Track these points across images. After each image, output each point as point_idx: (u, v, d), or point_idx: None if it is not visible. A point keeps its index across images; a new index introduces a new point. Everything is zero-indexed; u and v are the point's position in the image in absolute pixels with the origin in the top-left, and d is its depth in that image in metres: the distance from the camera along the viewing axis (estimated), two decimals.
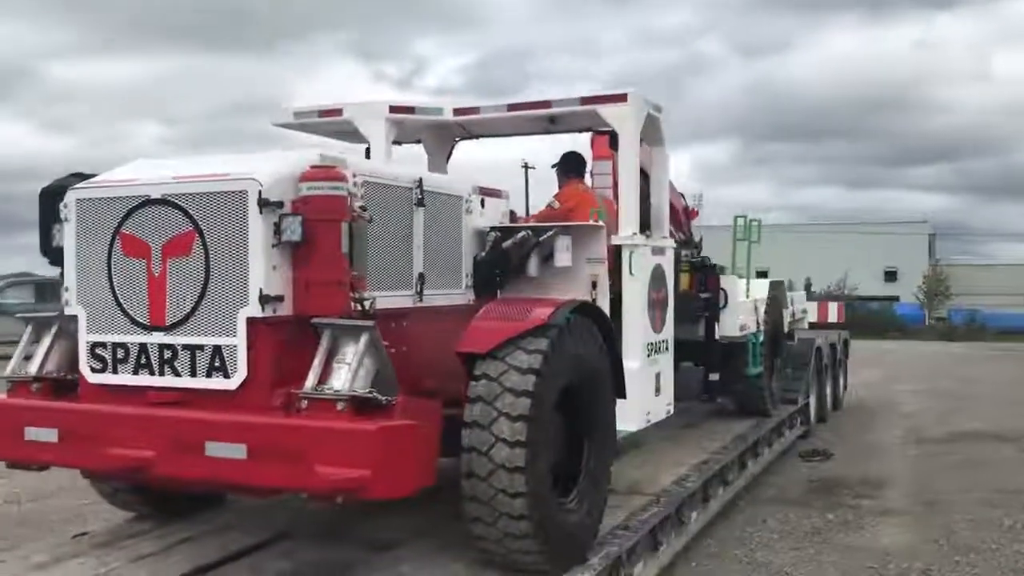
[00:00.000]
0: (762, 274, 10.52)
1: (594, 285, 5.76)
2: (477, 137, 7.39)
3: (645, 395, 6.29)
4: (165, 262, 4.15)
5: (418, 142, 7.45)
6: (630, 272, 6.13)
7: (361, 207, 4.33)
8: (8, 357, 4.75)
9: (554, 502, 4.66)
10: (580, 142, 7.60)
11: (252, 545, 5.18)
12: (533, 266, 5.64)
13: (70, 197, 4.41)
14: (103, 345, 4.32)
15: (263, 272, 3.98)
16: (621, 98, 6.16)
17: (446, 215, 5.32)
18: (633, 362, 6.09)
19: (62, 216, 4.42)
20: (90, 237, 4.35)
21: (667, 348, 6.72)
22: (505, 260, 5.57)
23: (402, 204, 4.89)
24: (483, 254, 5.57)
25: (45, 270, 5.46)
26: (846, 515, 7.64)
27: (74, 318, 4.43)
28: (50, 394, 4.54)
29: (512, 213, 6.17)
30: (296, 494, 3.92)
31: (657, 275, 6.50)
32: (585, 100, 6.26)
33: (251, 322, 4.00)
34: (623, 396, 5.39)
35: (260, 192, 3.96)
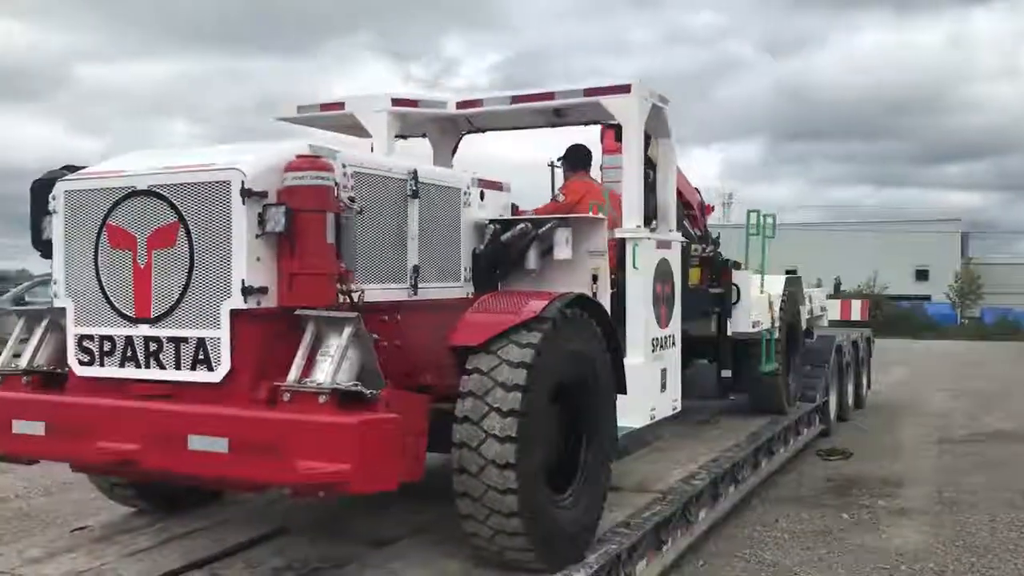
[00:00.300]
0: (790, 272, 10.36)
1: (595, 279, 5.64)
2: (483, 131, 7.30)
3: (650, 391, 6.18)
4: (150, 254, 4.10)
5: (424, 136, 7.37)
6: (634, 266, 6.02)
7: (350, 198, 4.26)
8: None
9: (548, 499, 4.57)
10: (593, 136, 7.52)
11: (248, 540, 5.15)
12: (532, 259, 5.54)
13: (58, 189, 4.38)
14: (90, 338, 4.28)
15: (246, 263, 3.91)
16: (624, 89, 6.05)
17: (443, 207, 5.23)
18: (636, 357, 5.99)
19: (51, 208, 4.40)
20: (78, 229, 4.31)
21: (673, 344, 6.60)
22: (504, 253, 5.49)
23: (395, 196, 4.81)
24: (482, 247, 5.48)
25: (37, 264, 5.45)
26: (861, 515, 7.49)
27: (64, 311, 4.40)
28: (40, 387, 4.51)
29: (514, 206, 6.07)
30: (279, 489, 3.85)
31: (662, 269, 6.38)
32: (588, 91, 6.16)
33: (235, 314, 3.94)
34: (624, 391, 5.28)
35: (243, 182, 3.90)
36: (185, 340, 4.05)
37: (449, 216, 5.30)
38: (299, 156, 4.07)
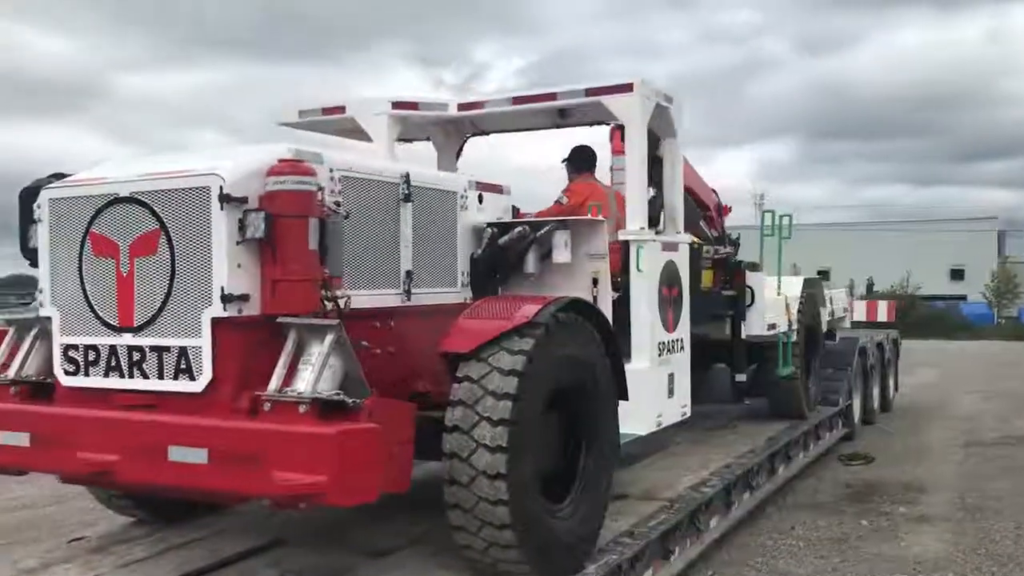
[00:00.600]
0: (822, 274, 10.14)
1: (595, 282, 5.52)
2: (487, 133, 7.21)
3: (656, 397, 6.04)
4: (132, 262, 4.04)
5: (428, 139, 7.29)
6: (637, 268, 5.89)
7: (336, 202, 4.18)
8: None
9: (544, 509, 4.45)
10: (604, 137, 7.39)
11: (245, 551, 5.09)
12: (531, 263, 5.42)
13: (43, 197, 4.33)
14: (75, 347, 4.24)
15: (227, 270, 3.84)
16: (627, 88, 5.92)
17: (438, 211, 5.14)
18: (641, 362, 5.85)
19: (35, 216, 4.36)
20: (62, 237, 4.26)
21: (682, 348, 6.45)
22: (502, 257, 5.38)
23: (387, 200, 4.72)
24: (480, 251, 5.38)
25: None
26: (880, 522, 7.30)
27: (50, 320, 4.36)
28: (29, 398, 4.47)
29: (515, 209, 5.96)
30: (258, 500, 3.76)
31: (669, 272, 6.24)
32: (590, 91, 6.04)
33: (216, 322, 3.87)
34: (625, 398, 5.15)
35: (222, 187, 3.83)
36: (167, 349, 3.99)
37: (445, 220, 5.20)
38: (281, 160, 3.98)
